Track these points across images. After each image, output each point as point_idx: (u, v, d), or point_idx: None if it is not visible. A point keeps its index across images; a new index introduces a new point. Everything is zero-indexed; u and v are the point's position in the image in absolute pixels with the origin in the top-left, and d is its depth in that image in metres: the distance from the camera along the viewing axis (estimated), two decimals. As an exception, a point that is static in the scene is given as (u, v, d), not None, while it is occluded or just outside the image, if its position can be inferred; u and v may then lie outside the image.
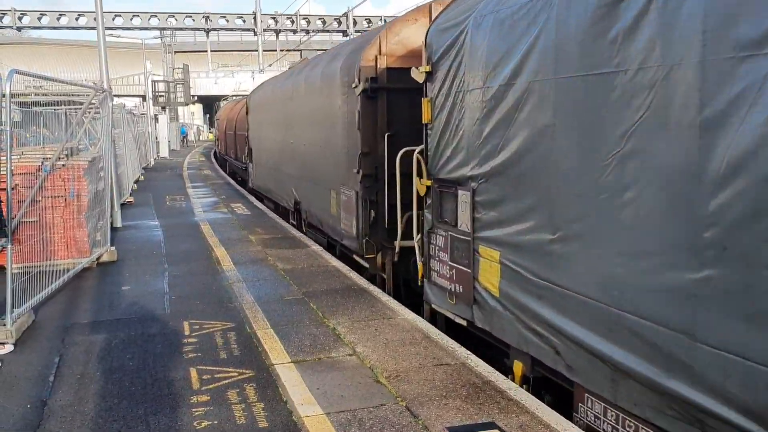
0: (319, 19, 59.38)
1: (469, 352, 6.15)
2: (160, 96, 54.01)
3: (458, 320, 6.50)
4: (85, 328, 7.20)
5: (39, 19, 54.77)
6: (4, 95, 6.58)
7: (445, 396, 5.17)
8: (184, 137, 63.79)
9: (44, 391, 5.50)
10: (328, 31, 59.18)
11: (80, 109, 11.42)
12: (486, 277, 5.87)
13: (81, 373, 5.88)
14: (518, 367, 5.53)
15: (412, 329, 6.84)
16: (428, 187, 6.89)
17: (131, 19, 55.86)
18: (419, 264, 7.22)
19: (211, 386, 5.50)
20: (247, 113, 20.60)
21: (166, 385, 5.57)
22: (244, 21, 59.20)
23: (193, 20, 57.99)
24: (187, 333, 6.93)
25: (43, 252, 8.99)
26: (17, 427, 4.89)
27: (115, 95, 16.74)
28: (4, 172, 6.72)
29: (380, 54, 8.81)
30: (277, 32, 60.63)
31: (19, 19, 53.75)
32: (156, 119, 45.47)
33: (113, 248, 10.91)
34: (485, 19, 5.80)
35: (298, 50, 59.23)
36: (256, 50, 60.87)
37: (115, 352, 6.43)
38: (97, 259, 10.36)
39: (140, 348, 6.52)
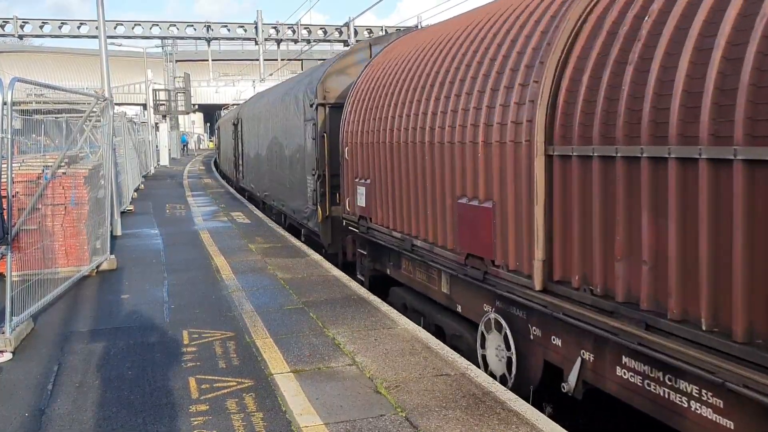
0: (321, 28, 59.59)
1: (469, 363, 6.13)
2: (161, 104, 54.14)
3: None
4: (85, 337, 7.18)
5: (41, 27, 54.97)
6: (5, 103, 6.59)
7: (445, 407, 5.15)
8: (184, 146, 63.89)
9: (42, 400, 5.48)
10: (329, 41, 59.36)
11: (81, 117, 11.43)
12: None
13: (80, 382, 5.86)
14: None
15: (412, 339, 6.82)
16: None
17: (133, 28, 56.06)
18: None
19: (210, 396, 5.48)
20: None
21: (164, 394, 5.55)
22: (245, 30, 59.42)
23: (195, 29, 58.20)
24: (186, 342, 6.91)
25: (43, 260, 8.98)
26: (15, 435, 4.88)
27: (116, 103, 16.77)
28: (5, 180, 6.72)
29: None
30: (279, 42, 60.82)
31: (21, 27, 53.94)
32: (157, 128, 45.54)
33: (113, 256, 10.90)
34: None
35: (299, 60, 59.40)
36: (258, 59, 61.07)
37: (114, 360, 6.41)
38: (97, 267, 10.35)
39: (139, 357, 6.50)
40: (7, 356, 6.50)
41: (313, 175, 11.87)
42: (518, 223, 5.59)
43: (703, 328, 3.87)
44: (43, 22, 54.99)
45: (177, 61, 62.24)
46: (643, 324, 4.27)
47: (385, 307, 8.11)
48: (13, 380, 5.94)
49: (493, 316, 6.30)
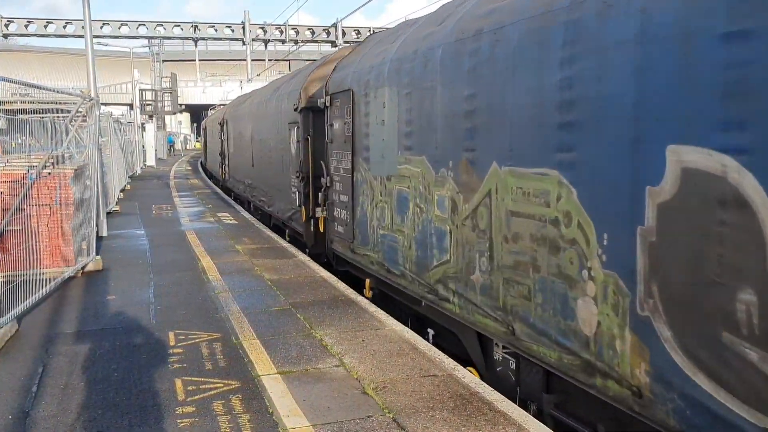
0: (308, 29, 59.54)
1: (456, 364, 6.14)
2: (148, 105, 53.89)
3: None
4: (70, 338, 7.13)
5: (26, 26, 54.57)
6: (-10, 103, 6.54)
7: (432, 407, 5.16)
8: (171, 146, 63.62)
9: (27, 402, 5.43)
10: (316, 41, 59.35)
11: (67, 117, 11.36)
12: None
13: (65, 384, 5.81)
14: None
15: (400, 340, 6.82)
16: None
17: (119, 28, 55.79)
18: None
19: (196, 397, 5.46)
20: None
21: (150, 396, 5.52)
22: (232, 30, 59.28)
23: (182, 29, 58.00)
24: (172, 343, 6.88)
25: (28, 261, 8.91)
26: (-1, 438, 4.84)
27: (102, 103, 16.67)
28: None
29: None
30: (266, 42, 60.73)
31: (6, 26, 53.52)
32: (143, 128, 45.31)
33: (99, 257, 10.83)
34: None
35: (287, 60, 59.31)
36: (245, 60, 60.95)
37: (99, 362, 6.36)
38: (83, 268, 10.28)
39: (125, 358, 6.46)
40: (-9, 358, 6.45)
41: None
42: None
43: None
44: (28, 21, 54.58)
45: (164, 61, 61.99)
46: None
47: (372, 308, 8.11)
48: (-3, 382, 5.89)
49: None
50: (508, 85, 5.47)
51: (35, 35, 56.40)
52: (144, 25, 56.83)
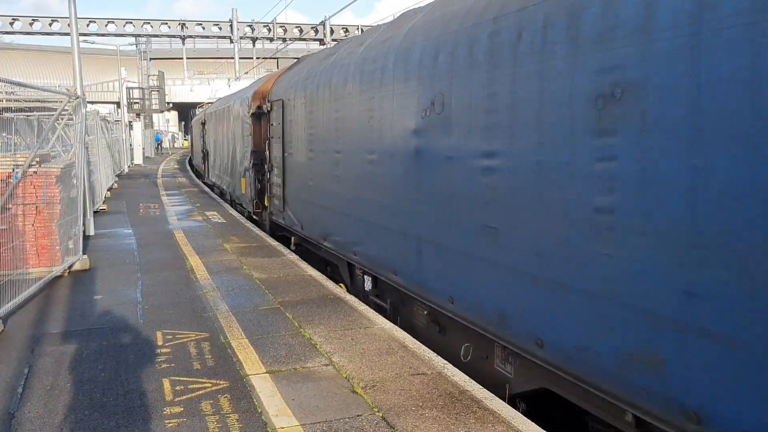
0: (296, 27, 59.40)
1: (445, 362, 6.14)
2: (135, 103, 53.64)
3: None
4: (56, 338, 7.07)
5: (11, 24, 54.08)
6: (-26, 101, 6.47)
7: (421, 406, 5.15)
8: (158, 144, 63.31)
9: (12, 403, 5.38)
10: (305, 39, 59.21)
11: (53, 115, 11.27)
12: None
13: (51, 385, 5.76)
14: None
15: (389, 339, 6.81)
16: None
17: (106, 26, 55.44)
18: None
19: (184, 397, 5.43)
20: None
21: (138, 396, 5.48)
22: (220, 28, 59.03)
23: (169, 27, 57.69)
24: (160, 343, 6.84)
25: (14, 260, 8.83)
26: (-16, 440, 4.78)
27: (89, 102, 16.56)
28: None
29: None
30: (254, 40, 60.57)
31: (-9, 23, 53.02)
32: (130, 126, 45.06)
33: (86, 257, 10.75)
34: None
35: (275, 58, 59.14)
36: (233, 58, 60.74)
37: (86, 362, 6.32)
38: (69, 267, 10.20)
39: (112, 358, 6.41)
40: (-24, 359, 6.38)
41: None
42: None
43: None
44: (13, 19, 54.09)
45: (151, 59, 61.65)
46: None
47: (362, 307, 8.09)
48: (-18, 383, 5.83)
49: None
50: None
51: (21, 33, 55.91)
52: (131, 23, 56.50)
